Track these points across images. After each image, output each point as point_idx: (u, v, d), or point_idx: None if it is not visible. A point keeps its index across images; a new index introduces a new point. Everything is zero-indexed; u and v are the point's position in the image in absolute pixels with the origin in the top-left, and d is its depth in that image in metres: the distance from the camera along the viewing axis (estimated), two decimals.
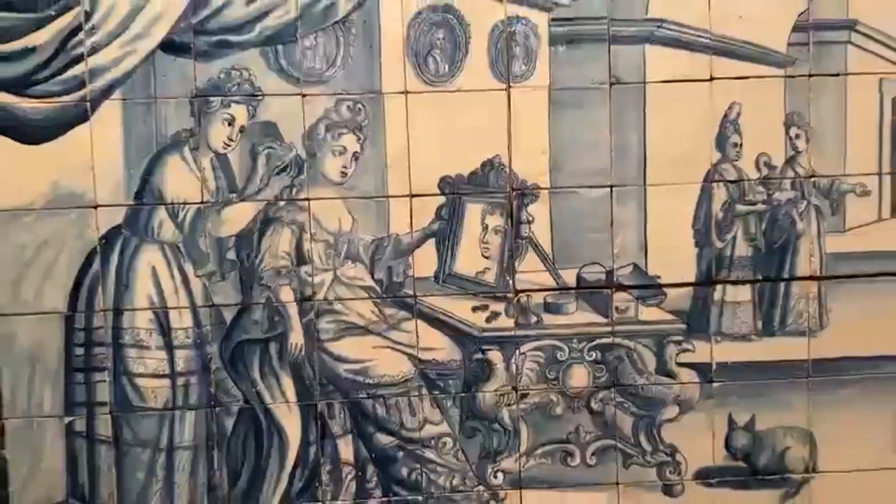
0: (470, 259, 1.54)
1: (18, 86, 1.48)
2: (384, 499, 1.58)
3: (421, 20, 1.52)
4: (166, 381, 1.52)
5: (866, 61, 1.56)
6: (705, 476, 1.57)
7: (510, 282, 1.55)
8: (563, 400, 1.55)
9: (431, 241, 1.55)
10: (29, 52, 1.47)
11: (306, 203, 1.52)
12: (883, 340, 1.64)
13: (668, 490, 1.57)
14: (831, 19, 1.55)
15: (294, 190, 1.52)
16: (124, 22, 1.48)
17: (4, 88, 1.48)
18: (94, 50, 1.48)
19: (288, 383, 1.53)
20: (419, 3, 1.54)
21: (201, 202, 1.52)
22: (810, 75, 1.55)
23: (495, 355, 1.54)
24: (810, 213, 1.58)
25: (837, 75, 1.55)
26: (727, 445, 1.57)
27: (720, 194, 1.57)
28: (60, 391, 1.51)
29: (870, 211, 1.60)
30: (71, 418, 1.52)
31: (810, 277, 1.58)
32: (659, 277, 1.55)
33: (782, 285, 1.61)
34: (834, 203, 1.65)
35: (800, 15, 1.55)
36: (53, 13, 1.47)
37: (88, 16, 1.48)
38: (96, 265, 1.52)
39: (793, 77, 1.54)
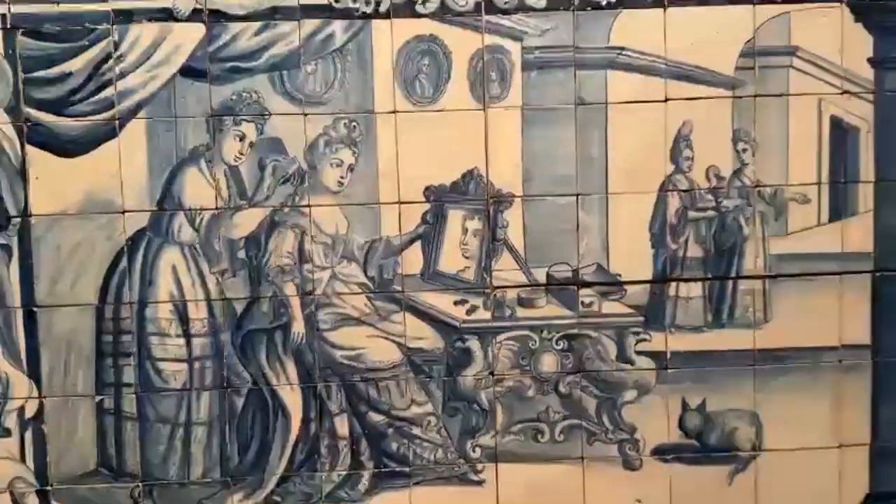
0: (452, 259, 1.64)
1: (57, 106, 1.58)
2: (375, 470, 1.66)
3: (409, 49, 1.61)
4: (184, 365, 1.63)
5: (806, 83, 1.63)
6: (661, 452, 1.66)
7: (487, 279, 1.64)
8: (535, 384, 1.65)
9: (418, 243, 1.64)
10: (66, 77, 1.58)
11: (307, 209, 1.62)
12: (821, 333, 1.71)
13: (627, 464, 1.66)
14: (774, 46, 1.64)
15: (297, 197, 1.61)
16: (148, 51, 1.58)
17: (44, 109, 1.58)
18: (121, 75, 1.59)
19: (291, 368, 1.63)
20: (407, 33, 1.62)
21: (216, 208, 1.62)
22: (755, 96, 1.63)
23: (474, 344, 1.64)
24: (755, 218, 1.67)
25: (780, 96, 1.63)
26: (681, 425, 1.66)
27: (674, 202, 1.65)
28: (92, 373, 1.62)
29: (810, 217, 1.66)
30: (101, 397, 1.62)
31: (756, 276, 1.66)
32: (620, 275, 1.65)
33: (730, 283, 1.67)
34: (777, 210, 1.68)
35: (746, 42, 1.63)
36: (87, 43, 1.58)
37: (117, 46, 1.58)
38: (123, 263, 1.61)
39: (740, 97, 1.63)
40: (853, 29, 1.62)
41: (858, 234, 1.70)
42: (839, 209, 1.66)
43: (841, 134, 1.70)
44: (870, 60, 1.62)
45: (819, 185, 1.66)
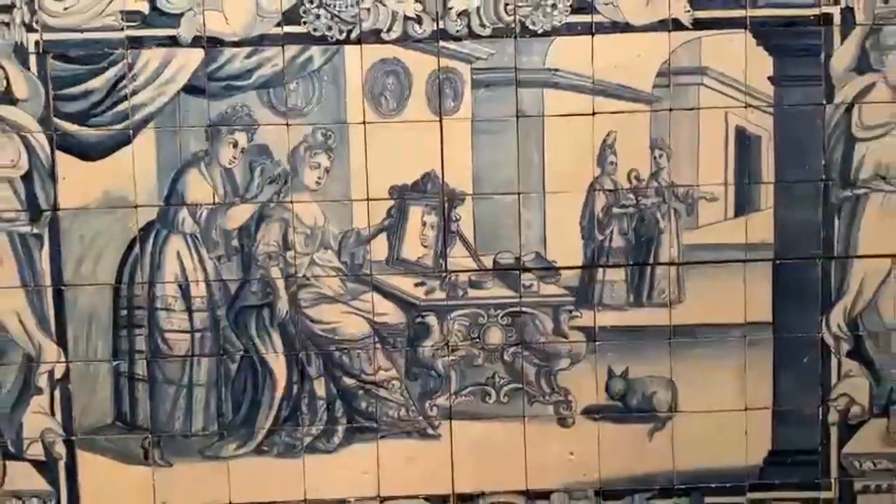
0: (412, 247, 1.75)
1: (81, 118, 1.71)
2: (348, 425, 1.77)
3: (375, 69, 1.73)
4: (187, 336, 1.75)
5: (714, 98, 1.74)
6: (590, 412, 1.78)
7: (443, 265, 1.75)
8: (483, 353, 1.77)
9: (383, 234, 1.75)
10: (88, 93, 1.71)
11: (290, 204, 1.74)
12: (728, 312, 1.81)
13: (562, 422, 1.78)
14: (687, 66, 1.74)
15: (281, 195, 1.74)
16: (156, 72, 1.71)
17: (70, 120, 1.71)
18: (134, 92, 1.71)
19: (277, 338, 1.76)
20: (374, 57, 1.72)
21: (213, 203, 1.73)
22: (670, 109, 1.74)
23: (432, 319, 1.76)
24: (670, 214, 1.77)
25: (692, 109, 1.74)
26: (607, 389, 1.78)
27: (600, 200, 1.77)
28: (109, 342, 1.75)
29: (717, 212, 1.76)
30: (117, 362, 1.75)
31: (670, 263, 1.77)
32: (555, 262, 1.76)
33: (648, 269, 1.78)
34: (689, 206, 1.78)
35: (662, 63, 1.74)
36: (106, 65, 1.70)
37: (130, 67, 1.70)
38: (136, 250, 1.74)
39: (657, 111, 1.75)
40: (755, 51, 1.73)
41: (760, 227, 1.77)
42: (743, 206, 1.76)
43: (745, 141, 1.77)
44: (770, 78, 1.74)
45: (725, 185, 1.76)
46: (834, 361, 1.83)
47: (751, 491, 1.84)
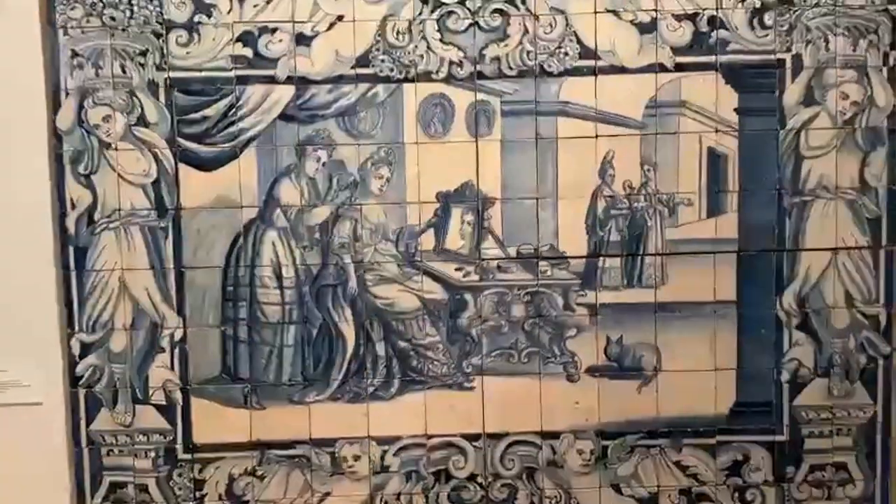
0: (454, 240, 1.91)
1: (198, 138, 1.87)
2: (402, 379, 1.92)
3: (426, 102, 1.88)
4: (279, 307, 1.90)
5: (691, 125, 1.88)
6: (592, 371, 1.93)
7: (477, 254, 1.91)
8: (508, 324, 1.92)
9: (431, 230, 1.90)
10: (204, 119, 1.86)
11: (360, 206, 1.90)
12: (700, 292, 1.92)
13: (569, 378, 1.93)
14: (669, 100, 1.88)
15: (352, 199, 1.90)
16: (258, 103, 1.86)
17: (190, 139, 1.86)
18: (240, 119, 1.86)
19: (347, 310, 1.91)
20: (425, 92, 1.87)
21: (300, 205, 1.89)
22: (656, 134, 1.89)
23: (468, 296, 1.92)
24: (656, 215, 1.91)
25: (674, 133, 1.88)
26: (605, 352, 1.92)
27: (601, 204, 1.91)
28: (219, 312, 1.90)
29: (693, 214, 1.91)
30: (224, 327, 1.90)
31: (655, 254, 1.91)
32: (565, 252, 1.91)
33: (639, 258, 1.92)
34: (671, 209, 1.91)
35: (650, 98, 1.88)
36: (218, 98, 1.86)
37: (237, 100, 1.86)
38: (240, 241, 1.89)
39: (646, 135, 1.89)
40: (724, 88, 1.88)
41: (727, 226, 1.90)
42: (714, 209, 1.90)
43: (715, 159, 1.90)
44: (735, 109, 1.89)
45: (699, 193, 1.90)
46: (786, 332, 1.93)
47: (719, 434, 1.94)
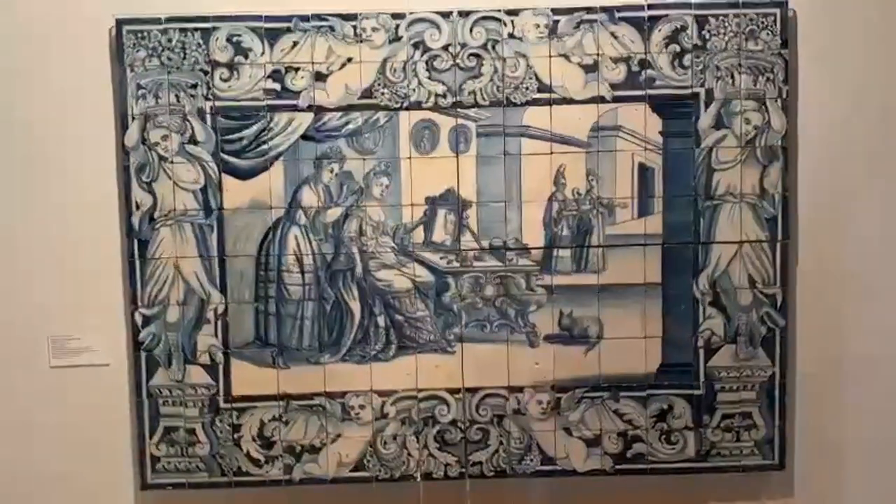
0: (439, 235, 2.06)
1: (237, 153, 2.02)
2: (398, 344, 2.06)
3: (417, 125, 2.02)
4: (300, 288, 2.04)
5: (626, 145, 2.03)
6: (549, 338, 2.07)
7: (458, 246, 2.06)
8: (482, 301, 2.07)
9: (421, 226, 2.05)
10: (242, 139, 2.01)
11: (365, 208, 2.05)
12: (633, 276, 2.06)
13: (531, 344, 2.07)
14: (609, 125, 2.03)
15: (359, 201, 2.04)
16: (284, 126, 2.01)
17: (230, 154, 2.00)
18: (271, 139, 2.01)
19: (355, 290, 2.05)
20: (416, 118, 2.02)
21: (318, 207, 2.04)
22: (598, 151, 2.04)
23: (450, 280, 2.06)
24: (598, 215, 2.06)
25: (612, 151, 2.04)
26: (559, 324, 2.06)
27: (555, 206, 2.05)
28: (253, 291, 2.04)
29: (627, 215, 2.06)
30: (257, 304, 2.05)
31: (598, 245, 2.06)
32: (527, 244, 2.05)
33: (585, 249, 2.06)
34: (610, 211, 2.05)
35: (593, 122, 2.03)
36: (253, 122, 2.01)
37: (269, 123, 2.00)
38: (270, 235, 2.04)
39: (590, 152, 2.03)
40: (651, 116, 2.03)
41: (654, 224, 2.06)
42: (643, 211, 2.05)
43: (644, 171, 2.05)
44: (660, 132, 2.04)
45: (632, 198, 2.05)
46: (701, 308, 2.07)
47: (649, 388, 2.09)
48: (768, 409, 2.10)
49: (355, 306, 2.06)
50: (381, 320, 2.07)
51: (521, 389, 2.08)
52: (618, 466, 2.10)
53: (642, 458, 2.10)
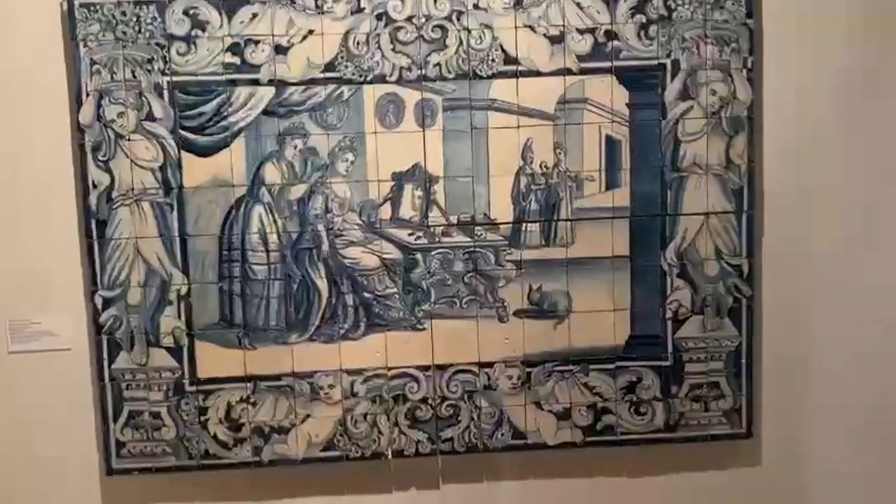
0: (407, 211, 1.99)
1: (197, 130, 1.93)
2: (367, 323, 2.00)
3: (382, 99, 1.96)
4: (265, 267, 1.97)
5: (593, 117, 1.98)
6: (518, 313, 2.03)
7: (426, 222, 1.99)
8: (451, 277, 2.01)
9: (389, 202, 1.99)
10: (202, 114, 1.93)
11: (330, 184, 1.97)
12: (601, 249, 2.02)
13: (501, 320, 2.02)
14: (575, 97, 1.97)
15: (324, 178, 1.96)
16: (245, 101, 1.93)
17: (190, 131, 1.92)
18: (231, 114, 1.93)
19: (322, 268, 1.98)
20: (381, 92, 1.95)
21: (282, 184, 1.96)
22: (566, 124, 1.98)
23: (419, 256, 2.00)
24: (566, 189, 2.00)
25: (578, 124, 1.98)
26: (528, 298, 2.02)
27: (523, 181, 2.00)
28: (216, 270, 1.96)
29: (595, 188, 2.01)
30: (221, 283, 1.98)
31: (567, 219, 2.01)
32: (496, 219, 2.00)
33: (553, 223, 2.01)
34: (578, 184, 2.00)
35: (560, 95, 1.97)
36: (213, 97, 1.92)
37: (228, 99, 1.91)
38: (233, 213, 1.96)
39: (557, 125, 1.97)
40: (618, 88, 1.98)
41: (621, 197, 2.01)
42: (611, 184, 2.01)
43: (611, 144, 1.99)
44: (627, 104, 1.99)
45: (600, 171, 2.00)
46: (668, 280, 2.04)
47: (618, 361, 2.06)
48: (735, 378, 2.08)
49: (322, 285, 1.99)
50: (349, 298, 2.00)
51: (491, 365, 2.04)
52: (588, 439, 2.07)
53: (612, 430, 2.08)
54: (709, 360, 2.07)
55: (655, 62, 1.98)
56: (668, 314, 2.06)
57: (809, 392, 2.15)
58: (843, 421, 2.16)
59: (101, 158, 1.94)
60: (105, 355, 1.98)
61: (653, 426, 2.08)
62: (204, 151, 1.95)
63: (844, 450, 2.16)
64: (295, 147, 1.95)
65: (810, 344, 2.15)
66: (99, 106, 1.91)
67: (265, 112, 1.94)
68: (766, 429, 2.14)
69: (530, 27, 1.96)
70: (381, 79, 1.96)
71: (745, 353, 2.07)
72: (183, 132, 1.94)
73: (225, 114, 1.94)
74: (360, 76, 1.95)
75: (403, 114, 1.96)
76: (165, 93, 1.93)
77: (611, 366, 2.06)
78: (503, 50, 1.96)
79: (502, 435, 2.06)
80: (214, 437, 2.02)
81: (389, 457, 2.05)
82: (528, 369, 2.04)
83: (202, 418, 2.01)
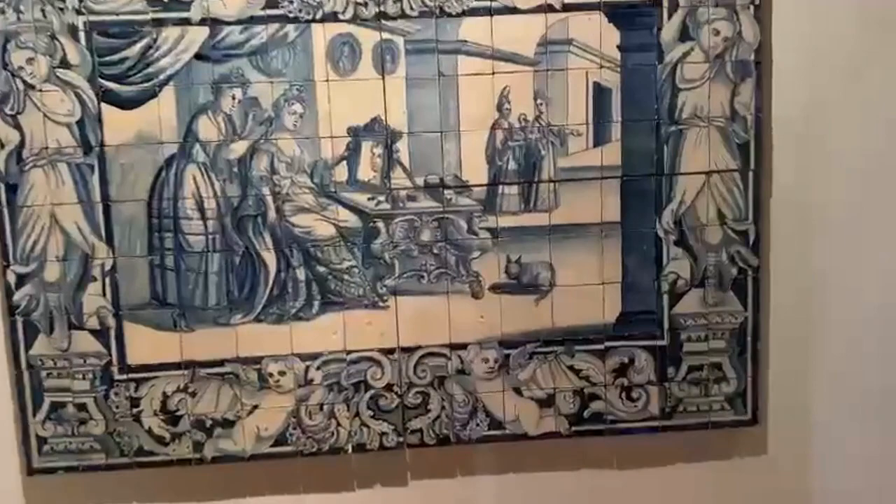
0: (365, 172, 1.84)
1: (118, 79, 1.78)
2: (322, 300, 1.87)
3: (334, 41, 1.79)
4: (202, 237, 1.83)
5: (578, 62, 1.83)
6: (495, 288, 1.90)
7: (387, 184, 1.85)
8: (418, 248, 1.87)
9: (344, 162, 1.84)
10: (123, 60, 1.77)
11: (276, 141, 1.82)
12: (589, 214, 1.88)
13: (475, 296, 1.90)
14: (558, 38, 1.82)
15: (268, 134, 1.81)
16: (174, 44, 1.78)
17: (111, 80, 1.77)
18: (158, 59, 1.78)
19: (268, 238, 1.85)
20: (333, 32, 1.79)
21: (219, 141, 1.81)
22: (547, 70, 1.83)
23: (381, 224, 1.86)
24: (548, 146, 1.86)
25: (563, 70, 1.83)
26: (506, 271, 1.89)
27: (499, 136, 1.85)
28: (146, 242, 1.82)
29: (581, 144, 1.87)
30: (151, 257, 1.84)
31: (549, 181, 1.87)
32: (468, 181, 1.86)
33: (534, 185, 1.88)
34: (561, 140, 1.86)
35: (541, 36, 1.82)
36: (136, 39, 1.77)
37: (154, 41, 1.77)
38: (163, 175, 1.81)
39: (538, 71, 1.82)
40: (607, 27, 1.82)
41: (611, 154, 1.86)
42: (600, 139, 1.86)
43: (600, 92, 1.84)
44: (618, 47, 1.83)
45: (587, 124, 1.85)
46: (665, 248, 1.89)
47: (607, 340, 1.92)
48: (739, 358, 1.94)
49: (269, 257, 1.85)
50: (300, 273, 1.86)
51: (464, 347, 1.91)
52: (574, 428, 1.94)
53: (601, 418, 1.94)
54: (710, 339, 1.94)
55: None
56: (665, 287, 1.92)
57: (822, 374, 2.01)
58: (860, 406, 2.02)
59: (8, 112, 1.77)
60: (21, 340, 1.83)
61: (647, 413, 1.95)
62: (128, 103, 1.78)
63: (860, 438, 2.03)
64: (233, 97, 1.80)
65: (824, 320, 2.00)
66: (4, 51, 1.74)
67: (198, 56, 1.78)
68: (773, 415, 2.01)
69: None
70: (333, 17, 1.78)
71: (750, 330, 1.93)
72: (103, 81, 1.77)
73: (151, 59, 1.78)
74: (309, 13, 1.78)
75: (359, 58, 1.80)
76: (81, 35, 1.76)
77: (599, 346, 1.93)
78: None
79: (477, 425, 1.93)
80: (149, 431, 1.88)
81: (350, 452, 1.93)
82: (507, 351, 1.91)
83: (134, 410, 1.86)
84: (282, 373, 1.88)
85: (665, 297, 1.92)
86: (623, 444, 1.96)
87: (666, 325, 1.92)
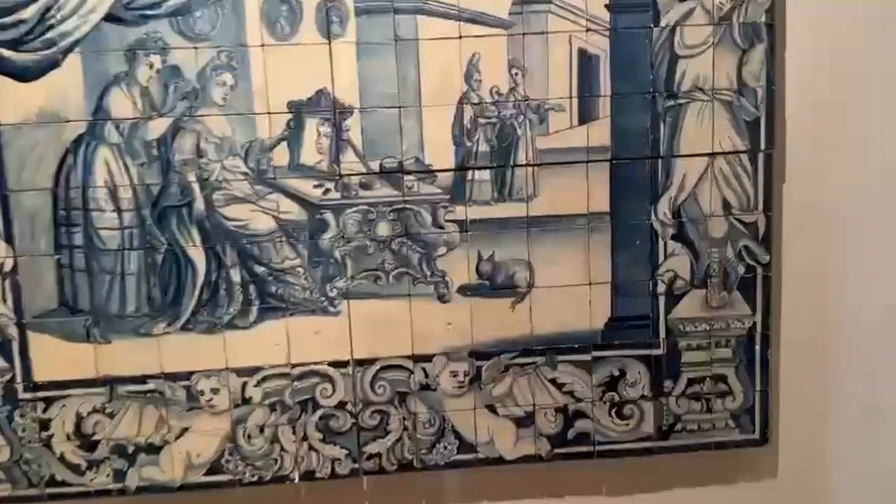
0: (310, 154, 1.68)
1: (14, 45, 1.62)
2: (261, 306, 1.72)
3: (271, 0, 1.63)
4: (117, 232, 1.68)
5: (560, 24, 1.67)
6: (464, 290, 1.76)
7: (337, 169, 1.69)
8: (374, 244, 1.73)
9: (284, 143, 1.68)
10: (21, 22, 1.60)
11: (202, 118, 1.66)
12: (573, 204, 1.74)
13: (441, 299, 1.75)
14: None
15: (193, 109, 1.66)
16: (80, 3, 1.60)
17: (5, 47, 1.61)
18: (61, 21, 1.61)
19: (195, 233, 1.69)
20: None
21: (134, 118, 1.66)
22: (524, 34, 1.68)
23: (329, 216, 1.71)
24: (526, 123, 1.71)
25: (542, 33, 1.67)
26: (477, 270, 1.75)
27: (468, 112, 1.69)
28: (51, 238, 1.67)
29: (564, 121, 1.71)
30: (58, 255, 1.68)
31: (526, 165, 1.73)
32: (432, 165, 1.71)
33: (509, 170, 1.74)
34: (541, 117, 1.72)
35: None
36: None
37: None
38: (70, 159, 1.65)
39: (513, 35, 1.67)
40: None
41: (599, 133, 1.71)
42: (585, 115, 1.71)
43: (586, 61, 1.70)
44: (606, 6, 1.68)
45: (571, 98, 1.71)
46: (661, 243, 1.77)
47: (595, 350, 1.80)
48: (747, 370, 1.83)
49: (198, 255, 1.70)
50: (234, 274, 1.71)
51: (429, 358, 1.78)
52: (557, 451, 1.83)
53: (587, 439, 1.83)
54: (713, 347, 1.83)
55: None
56: (661, 288, 1.80)
57: (839, 387, 1.90)
58: (879, 423, 1.91)
59: None
60: None
61: (640, 433, 1.84)
62: (26, 74, 1.62)
63: (879, 458, 1.92)
64: (151, 66, 1.64)
65: (843, 325, 1.89)
66: None
67: (108, 18, 1.62)
68: (784, 434, 1.90)
69: None
70: None
71: (759, 337, 1.83)
72: None
73: (51, 21, 1.62)
74: None
75: (301, 19, 1.64)
76: None
77: (586, 356, 1.81)
78: None
79: (445, 448, 1.81)
80: (62, 458, 1.73)
81: (297, 481, 1.80)
82: (478, 363, 1.79)
83: (44, 434, 1.72)
84: (215, 390, 1.76)
85: (661, 299, 1.81)
86: (613, 468, 1.86)
87: (662, 332, 1.82)
